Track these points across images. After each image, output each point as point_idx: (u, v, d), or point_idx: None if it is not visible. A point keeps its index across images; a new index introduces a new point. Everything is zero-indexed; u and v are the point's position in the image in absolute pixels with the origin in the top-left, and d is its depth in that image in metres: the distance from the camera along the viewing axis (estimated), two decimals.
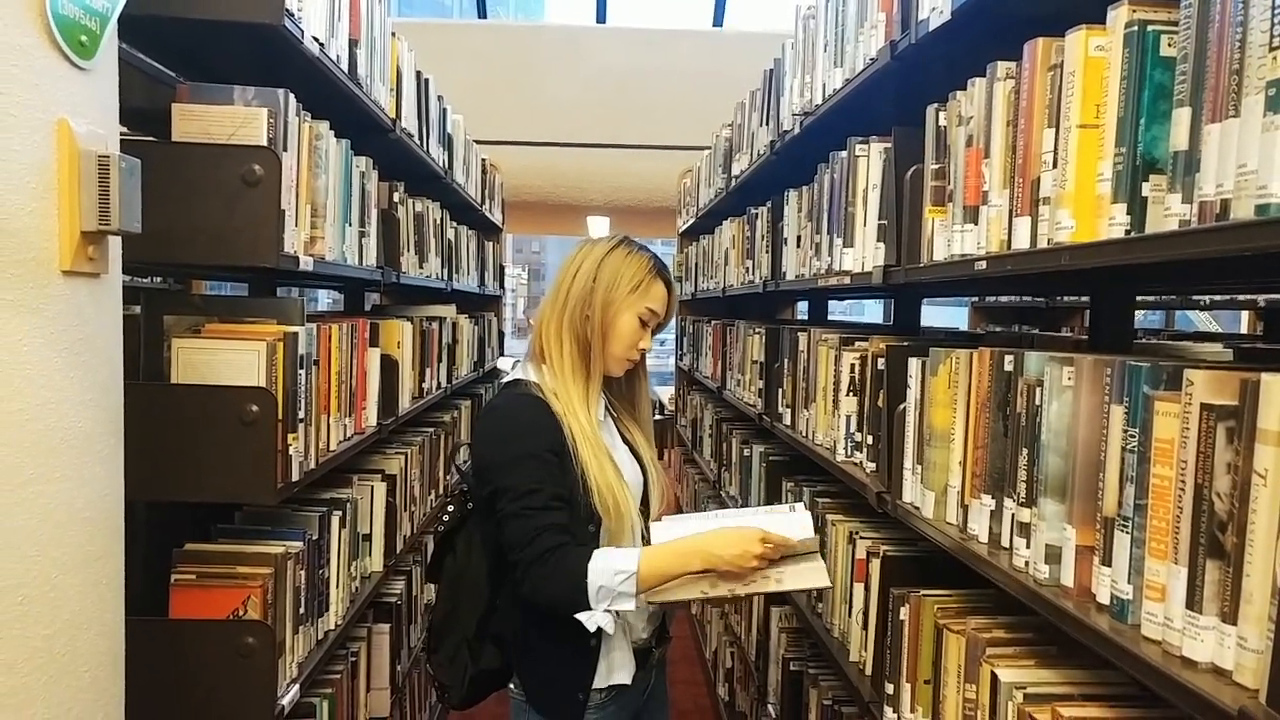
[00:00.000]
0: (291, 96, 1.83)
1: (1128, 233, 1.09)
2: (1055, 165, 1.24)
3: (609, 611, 1.68)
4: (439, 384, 3.70)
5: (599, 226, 7.82)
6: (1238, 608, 0.88)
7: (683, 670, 4.60)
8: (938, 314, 9.64)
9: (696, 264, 5.48)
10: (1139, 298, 4.64)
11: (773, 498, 2.94)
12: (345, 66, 2.22)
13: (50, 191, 1.13)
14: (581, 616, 1.68)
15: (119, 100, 1.35)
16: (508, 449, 1.74)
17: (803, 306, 5.04)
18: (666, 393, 7.93)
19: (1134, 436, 1.05)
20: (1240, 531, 0.88)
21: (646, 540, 1.84)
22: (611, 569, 1.66)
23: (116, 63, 1.30)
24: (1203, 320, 7.15)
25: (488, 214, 5.41)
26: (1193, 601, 0.94)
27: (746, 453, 3.38)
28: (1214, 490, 0.92)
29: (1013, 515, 1.34)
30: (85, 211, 1.15)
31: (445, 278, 4.04)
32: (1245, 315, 5.89)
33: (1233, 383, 0.91)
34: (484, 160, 5.33)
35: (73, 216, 1.15)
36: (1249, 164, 0.87)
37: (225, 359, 1.74)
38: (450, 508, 1.93)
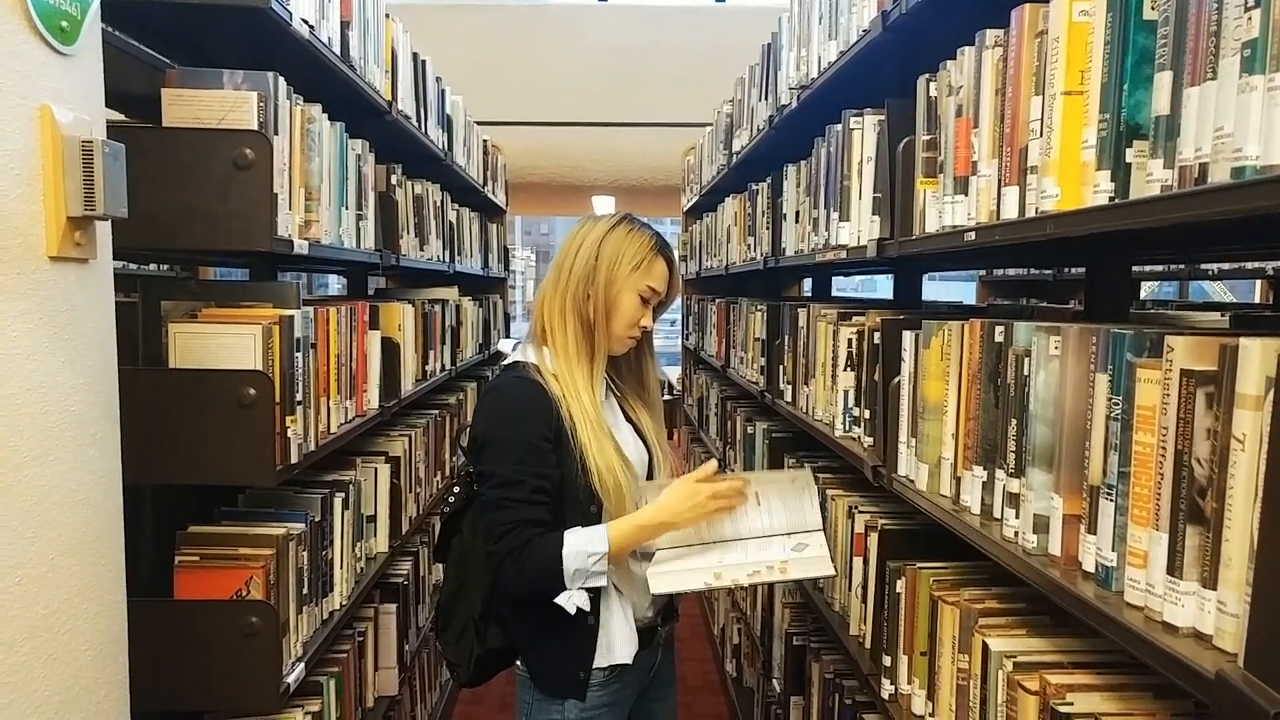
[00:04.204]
0: (281, 80, 1.82)
1: (1112, 200, 1.08)
2: (1041, 134, 1.24)
3: (584, 590, 1.71)
4: (443, 366, 3.71)
5: (604, 206, 7.81)
6: (1217, 573, 0.89)
7: (692, 647, 4.63)
8: (948, 289, 9.61)
9: (701, 242, 5.47)
10: (1147, 268, 4.62)
11: None
12: (337, 49, 2.21)
13: (35, 178, 1.14)
14: (560, 599, 1.71)
15: (112, 85, 1.36)
16: (500, 432, 1.75)
17: (809, 284, 5.03)
18: (675, 373, 7.94)
19: (1118, 404, 1.05)
20: (1219, 497, 0.88)
21: None
22: (584, 552, 1.68)
23: (100, 48, 1.30)
24: (1217, 291, 7.09)
25: (490, 195, 5.41)
26: (1173, 567, 0.94)
27: (750, 430, 3.38)
28: (1194, 456, 0.92)
29: (1003, 486, 1.34)
30: (70, 197, 1.16)
31: (447, 260, 4.05)
32: (1259, 284, 5.84)
33: (1212, 348, 0.91)
34: (485, 141, 5.32)
35: (58, 202, 1.15)
36: (1226, 126, 0.86)
37: (221, 343, 1.76)
38: (456, 489, 1.94)
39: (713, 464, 1.79)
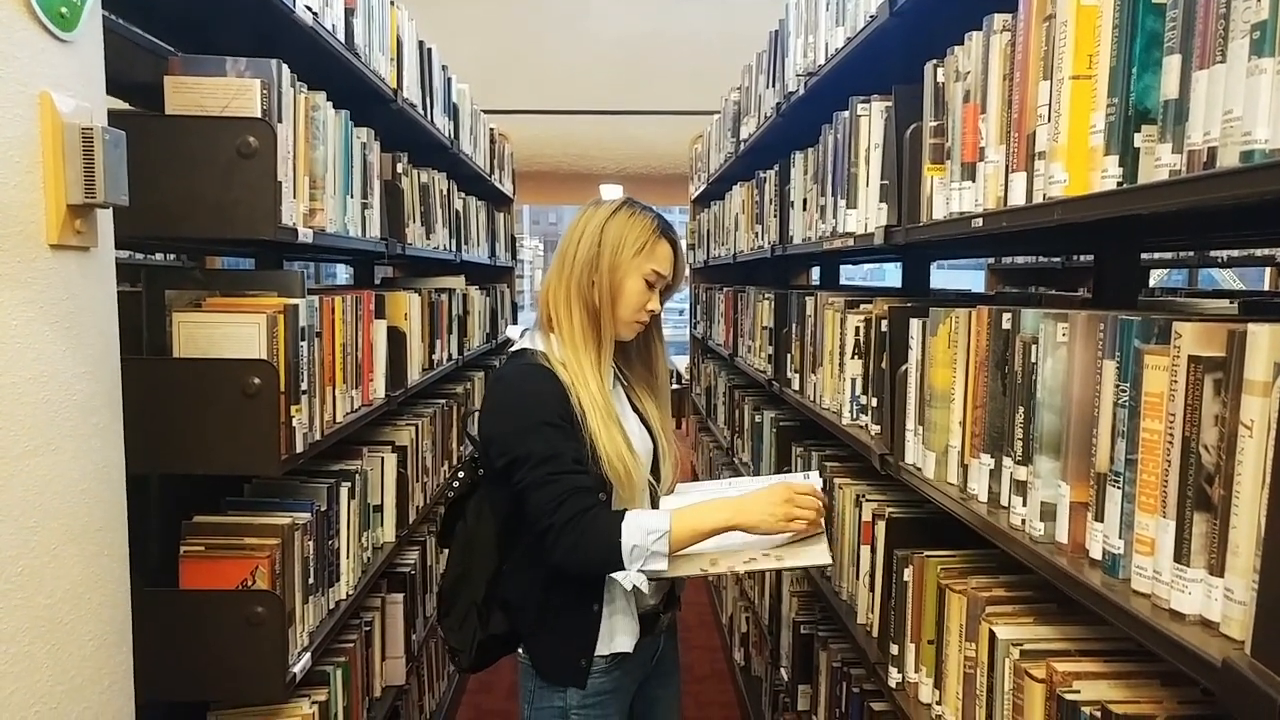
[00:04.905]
0: (285, 67, 1.81)
1: (1120, 185, 1.07)
2: (1049, 119, 1.22)
3: (642, 571, 1.67)
4: (450, 355, 3.71)
5: (612, 195, 7.79)
6: (1225, 560, 0.88)
7: (700, 636, 4.63)
8: (958, 277, 9.57)
9: (708, 231, 5.46)
10: (1156, 256, 4.59)
11: (783, 463, 2.94)
12: (341, 36, 2.21)
13: (34, 165, 1.13)
14: (617, 576, 1.69)
15: (114, 73, 1.35)
16: (521, 418, 1.73)
17: (817, 272, 5.01)
18: (683, 361, 7.93)
19: (1125, 391, 1.04)
20: (1227, 483, 0.87)
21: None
22: (645, 528, 1.65)
23: (101, 35, 1.29)
24: (1226, 278, 7.05)
25: (497, 184, 5.39)
26: (1181, 554, 0.93)
27: (758, 419, 3.37)
28: (1201, 443, 0.91)
29: (1010, 474, 1.34)
30: (70, 185, 1.16)
31: (453, 249, 4.04)
32: (1268, 271, 5.80)
33: (1220, 334, 0.89)
34: (492, 130, 5.31)
35: (58, 190, 1.15)
36: (1235, 110, 0.85)
37: (226, 332, 1.75)
38: (461, 474, 1.93)
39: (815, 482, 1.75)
